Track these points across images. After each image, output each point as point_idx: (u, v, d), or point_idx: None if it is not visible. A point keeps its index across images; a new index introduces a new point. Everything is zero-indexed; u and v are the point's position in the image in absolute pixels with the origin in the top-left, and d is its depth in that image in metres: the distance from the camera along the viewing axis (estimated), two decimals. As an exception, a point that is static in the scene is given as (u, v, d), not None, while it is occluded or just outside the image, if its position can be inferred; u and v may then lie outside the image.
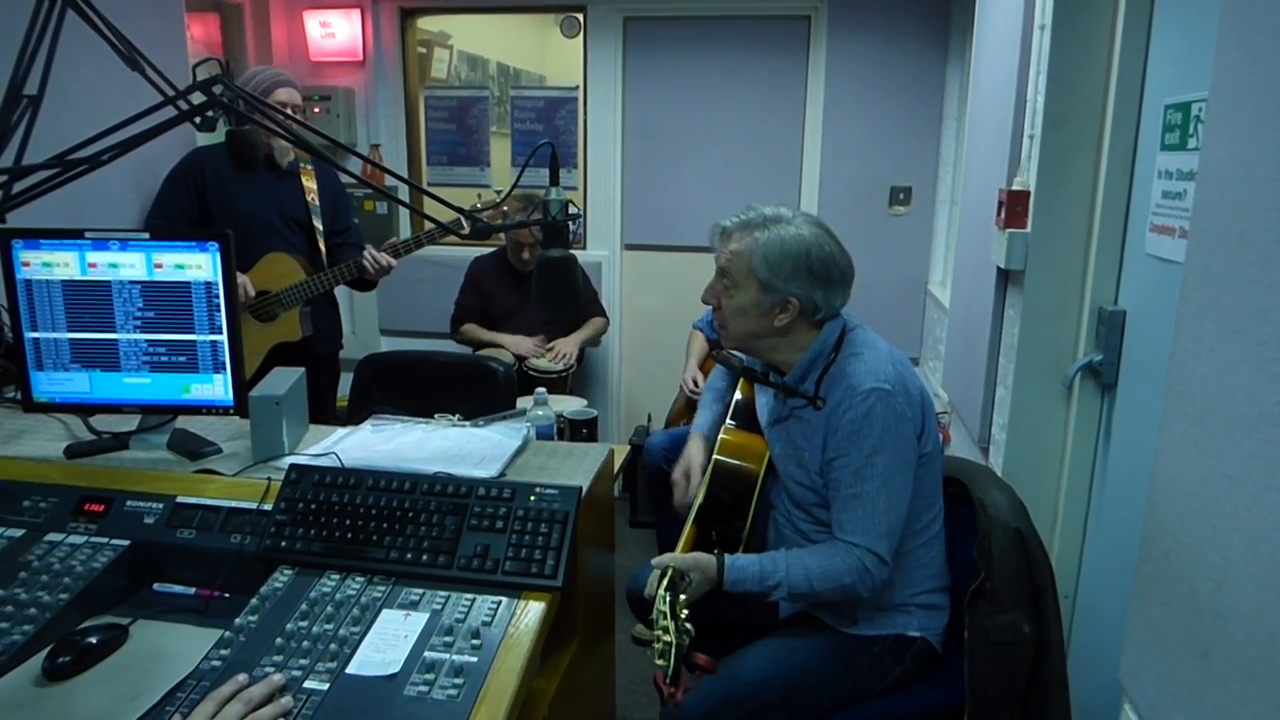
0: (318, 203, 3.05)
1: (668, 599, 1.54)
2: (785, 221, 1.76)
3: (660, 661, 1.46)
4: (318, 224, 3.04)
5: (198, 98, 1.59)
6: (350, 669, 1.18)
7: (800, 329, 1.79)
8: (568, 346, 3.95)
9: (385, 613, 1.29)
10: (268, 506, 1.48)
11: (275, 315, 2.91)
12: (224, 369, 1.66)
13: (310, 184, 3.05)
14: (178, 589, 1.46)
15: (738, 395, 2.15)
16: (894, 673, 1.79)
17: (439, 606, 1.31)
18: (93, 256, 1.61)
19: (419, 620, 1.28)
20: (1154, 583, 1.24)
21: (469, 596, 1.33)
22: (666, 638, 1.47)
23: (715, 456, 2.00)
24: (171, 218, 2.88)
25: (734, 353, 2.03)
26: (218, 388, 1.67)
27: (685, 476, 2.05)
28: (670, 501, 2.07)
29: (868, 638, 1.79)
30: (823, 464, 1.75)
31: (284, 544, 1.42)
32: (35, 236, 1.61)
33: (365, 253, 2.97)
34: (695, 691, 1.66)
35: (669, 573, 1.60)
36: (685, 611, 1.51)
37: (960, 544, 1.84)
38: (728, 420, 2.11)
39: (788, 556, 1.72)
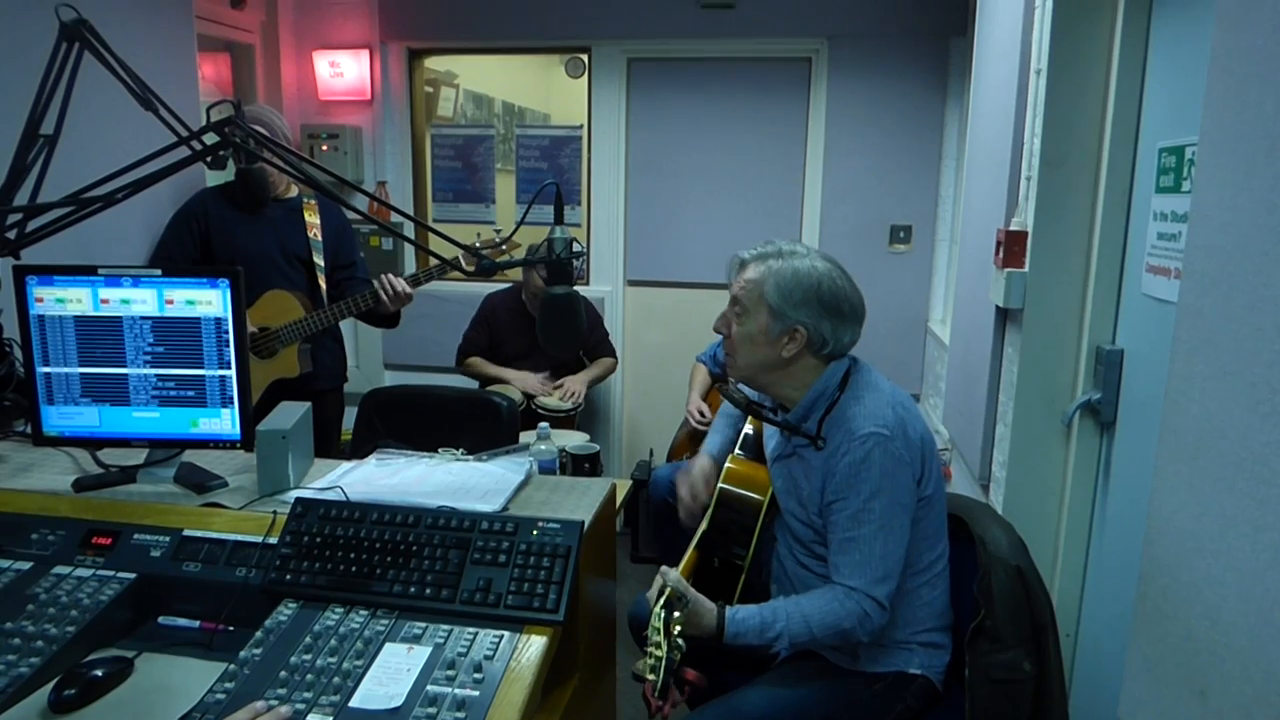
0: (319, 238, 3.07)
1: (663, 615, 1.55)
2: (800, 255, 1.80)
3: (650, 675, 1.47)
4: (318, 260, 3.06)
5: (210, 138, 1.63)
6: (353, 702, 1.19)
7: (806, 363, 1.81)
8: (576, 385, 3.96)
9: (388, 646, 1.30)
10: (273, 540, 1.49)
11: (274, 351, 2.94)
12: (232, 403, 1.68)
13: (313, 219, 3.07)
14: (182, 622, 1.47)
15: (748, 428, 2.16)
16: (895, 710, 1.78)
17: (442, 640, 1.32)
18: (105, 292, 1.64)
19: (422, 654, 1.28)
20: (1151, 621, 1.24)
21: (471, 630, 1.34)
22: (658, 652, 1.49)
23: (721, 485, 2.01)
24: (173, 257, 2.94)
25: (739, 387, 2.05)
26: (225, 422, 1.69)
27: (690, 492, 2.06)
28: (675, 536, 2.08)
29: (869, 674, 1.79)
30: (821, 505, 1.77)
31: (289, 577, 1.43)
32: (49, 273, 1.64)
33: (381, 278, 2.86)
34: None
35: (668, 591, 1.61)
36: (678, 629, 1.52)
37: (961, 582, 1.85)
38: (736, 450, 2.12)
39: (787, 605, 1.71)
